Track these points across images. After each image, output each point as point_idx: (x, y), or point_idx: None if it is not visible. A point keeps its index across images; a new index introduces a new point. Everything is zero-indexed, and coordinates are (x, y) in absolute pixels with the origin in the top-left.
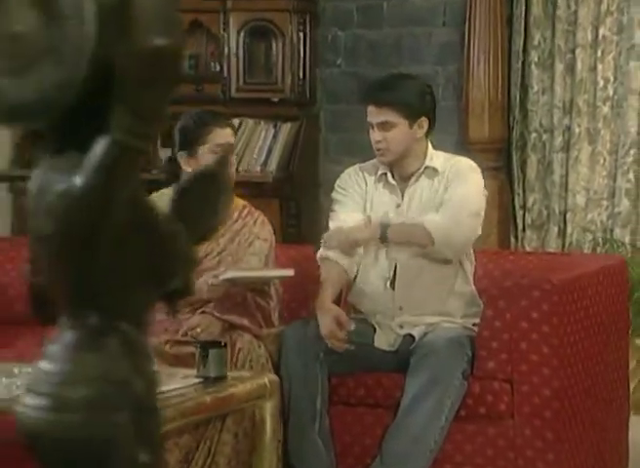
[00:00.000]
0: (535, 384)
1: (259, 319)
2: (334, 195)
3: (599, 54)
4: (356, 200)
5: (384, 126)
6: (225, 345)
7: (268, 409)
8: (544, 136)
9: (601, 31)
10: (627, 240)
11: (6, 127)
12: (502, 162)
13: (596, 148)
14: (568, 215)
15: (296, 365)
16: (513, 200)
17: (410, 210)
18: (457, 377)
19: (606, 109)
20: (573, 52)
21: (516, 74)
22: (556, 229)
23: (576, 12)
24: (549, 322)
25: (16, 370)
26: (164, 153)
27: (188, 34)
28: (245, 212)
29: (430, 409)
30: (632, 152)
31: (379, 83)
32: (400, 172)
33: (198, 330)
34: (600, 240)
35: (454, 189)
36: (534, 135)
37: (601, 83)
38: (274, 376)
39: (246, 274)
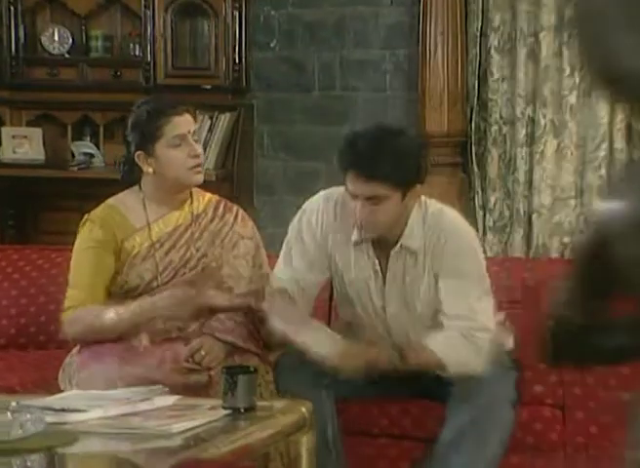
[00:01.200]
0: (591, 410)
1: (261, 343)
2: (290, 236)
3: (565, 38)
4: (319, 255)
5: (372, 200)
6: (255, 370)
7: (305, 443)
8: (505, 129)
9: (567, 13)
10: None
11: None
12: (462, 158)
13: (563, 142)
14: (533, 217)
15: (296, 391)
16: (472, 200)
17: (392, 290)
18: (505, 407)
19: (573, 99)
20: (536, 35)
21: (474, 60)
22: (521, 231)
23: None
24: None
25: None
26: (76, 148)
27: (101, 11)
28: (221, 207)
29: (475, 446)
30: (604, 146)
31: (365, 148)
32: (379, 240)
33: (202, 352)
34: (570, 243)
35: (448, 287)
36: (494, 127)
37: (567, 70)
38: (310, 404)
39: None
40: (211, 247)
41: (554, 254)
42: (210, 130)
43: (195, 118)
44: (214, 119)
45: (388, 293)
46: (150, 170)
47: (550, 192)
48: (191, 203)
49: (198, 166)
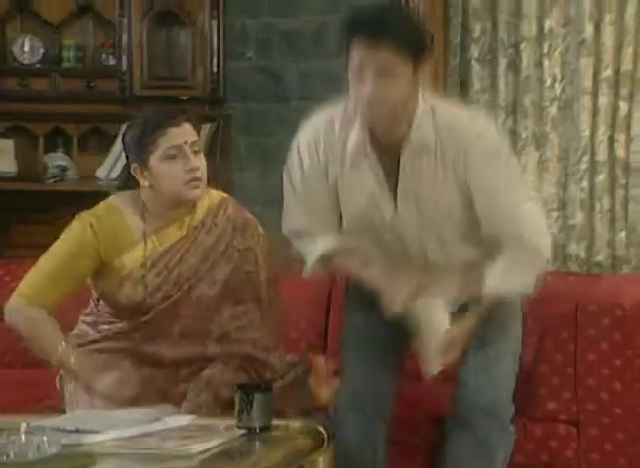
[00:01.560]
0: (605, 427)
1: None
2: (285, 181)
3: (545, 49)
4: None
5: (383, 72)
6: (270, 389)
7: (322, 463)
8: None
9: (547, 24)
10: (583, 256)
11: None
12: None
13: (544, 154)
14: None
15: (349, 429)
16: None
17: (405, 199)
18: (506, 429)
19: (554, 110)
20: (516, 46)
21: (454, 71)
22: None
23: (519, 1)
24: (622, 354)
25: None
26: (49, 160)
27: (74, 20)
28: (220, 215)
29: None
30: (586, 159)
31: (370, 12)
32: (385, 138)
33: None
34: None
35: (485, 200)
36: None
37: (548, 81)
38: (328, 422)
39: None
40: (203, 263)
41: None
42: None
43: (197, 129)
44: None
45: (401, 204)
46: (147, 183)
47: None
48: (194, 213)
49: (196, 180)
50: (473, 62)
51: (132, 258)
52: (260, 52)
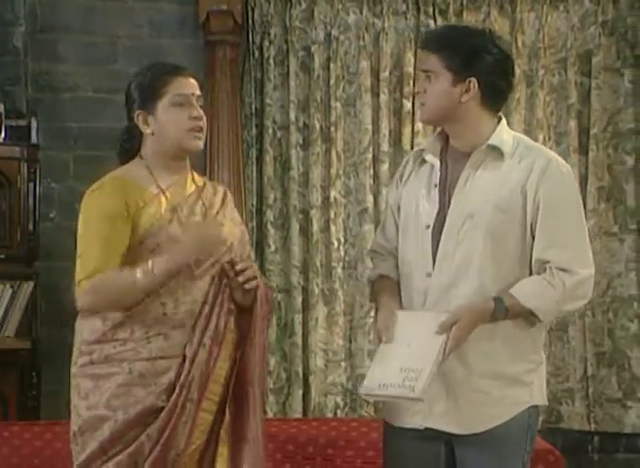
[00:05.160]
0: None
1: None
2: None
3: (332, 215)
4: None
5: (426, 75)
6: None
7: None
8: (280, 297)
9: (332, 193)
10: None
11: None
12: None
13: (334, 309)
14: (310, 378)
15: None
16: None
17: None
18: None
19: (340, 270)
20: (306, 212)
21: (251, 234)
22: (300, 392)
23: (306, 173)
24: None
25: None
26: None
27: None
28: (215, 186)
29: None
30: (372, 313)
31: (435, 28)
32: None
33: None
34: (341, 401)
35: (548, 223)
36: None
37: (335, 244)
38: None
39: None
40: (222, 218)
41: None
42: (12, 298)
43: (201, 87)
44: (15, 287)
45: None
46: (149, 131)
47: (323, 355)
48: (192, 177)
49: (199, 130)
50: (269, 226)
51: (159, 205)
52: (64, 213)
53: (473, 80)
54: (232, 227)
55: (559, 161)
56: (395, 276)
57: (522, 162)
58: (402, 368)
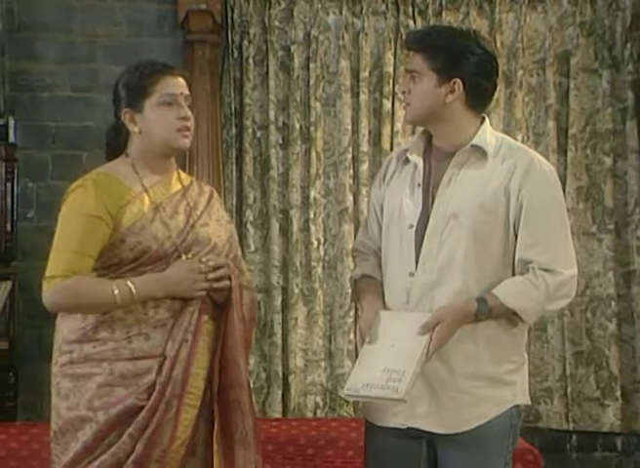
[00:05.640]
0: None
1: None
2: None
3: (311, 215)
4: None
5: (411, 75)
6: None
7: None
8: (260, 296)
9: (312, 193)
10: None
11: None
12: None
13: (313, 309)
14: (290, 378)
15: None
16: None
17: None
18: None
19: (319, 270)
20: (285, 212)
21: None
22: (280, 392)
23: (286, 173)
24: None
25: None
26: None
27: None
28: (202, 185)
29: None
30: (352, 313)
31: (421, 28)
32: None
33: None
34: (321, 401)
35: (531, 225)
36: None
37: (315, 243)
38: None
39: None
40: (207, 218)
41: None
42: None
43: (190, 86)
44: None
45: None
46: (136, 129)
47: (302, 355)
48: (178, 176)
49: (187, 129)
50: (249, 225)
51: (142, 204)
52: (41, 213)
53: (458, 81)
54: (217, 228)
55: (542, 161)
56: (378, 276)
57: (505, 162)
58: (385, 368)
